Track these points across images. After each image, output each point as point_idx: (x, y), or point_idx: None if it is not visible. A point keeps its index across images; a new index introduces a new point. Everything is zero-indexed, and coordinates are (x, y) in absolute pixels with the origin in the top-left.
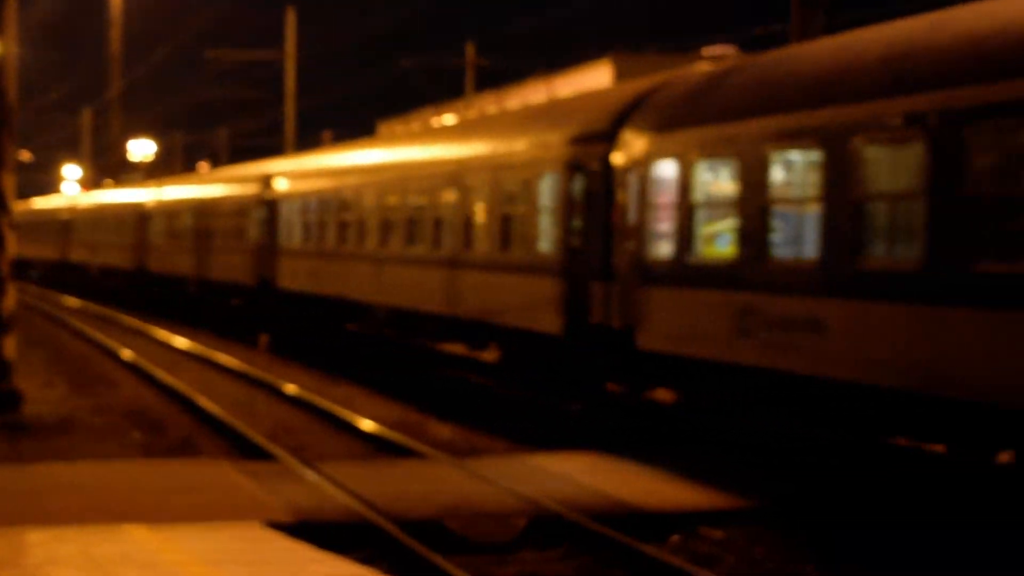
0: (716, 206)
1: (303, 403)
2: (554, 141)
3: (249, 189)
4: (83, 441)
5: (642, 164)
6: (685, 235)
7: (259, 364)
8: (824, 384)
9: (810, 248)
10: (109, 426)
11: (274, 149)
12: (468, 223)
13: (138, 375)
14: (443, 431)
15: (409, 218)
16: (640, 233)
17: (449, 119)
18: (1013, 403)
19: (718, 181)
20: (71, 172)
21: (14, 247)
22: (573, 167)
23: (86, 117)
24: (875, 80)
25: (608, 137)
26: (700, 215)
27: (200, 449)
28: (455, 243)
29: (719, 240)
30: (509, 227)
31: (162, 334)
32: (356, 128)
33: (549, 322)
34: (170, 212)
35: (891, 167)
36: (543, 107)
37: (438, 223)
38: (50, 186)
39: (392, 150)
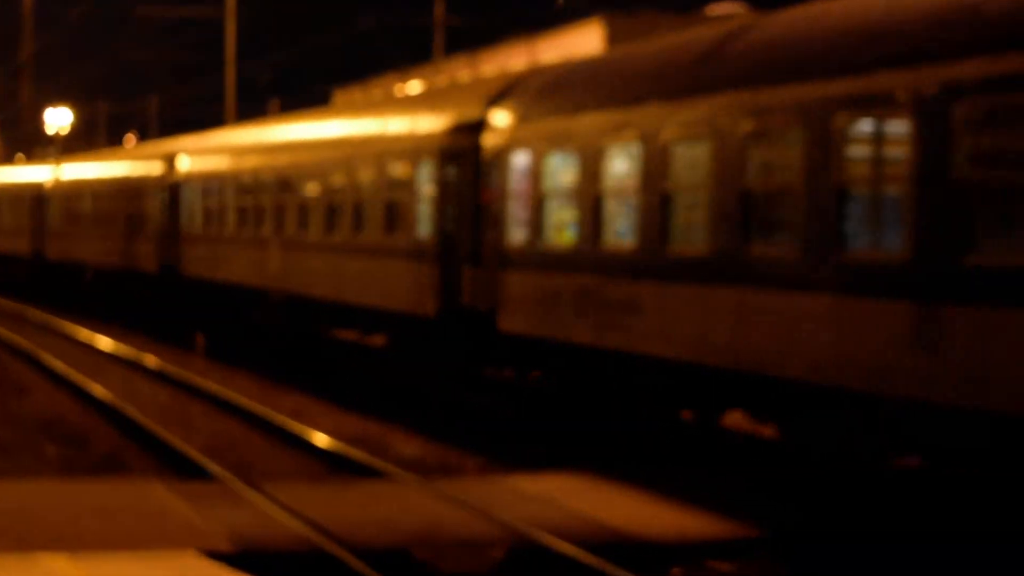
0: (562, 195)
1: (245, 413)
2: (432, 129)
3: (152, 170)
4: None
5: (503, 154)
6: (537, 223)
7: (194, 367)
8: (642, 360)
9: (630, 236)
10: (20, 440)
11: (213, 120)
12: (358, 209)
13: (53, 380)
14: (409, 446)
15: (302, 204)
16: (500, 220)
17: (415, 86)
18: (772, 371)
19: (564, 172)
20: None
21: None
22: (447, 155)
23: None
24: (681, 84)
25: (478, 127)
26: (550, 204)
27: (127, 466)
28: (346, 229)
29: (568, 228)
30: (394, 213)
31: (79, 332)
32: (309, 96)
33: (426, 306)
34: (69, 194)
35: (691, 162)
36: (427, 93)
37: (331, 209)
38: None
39: (291, 131)
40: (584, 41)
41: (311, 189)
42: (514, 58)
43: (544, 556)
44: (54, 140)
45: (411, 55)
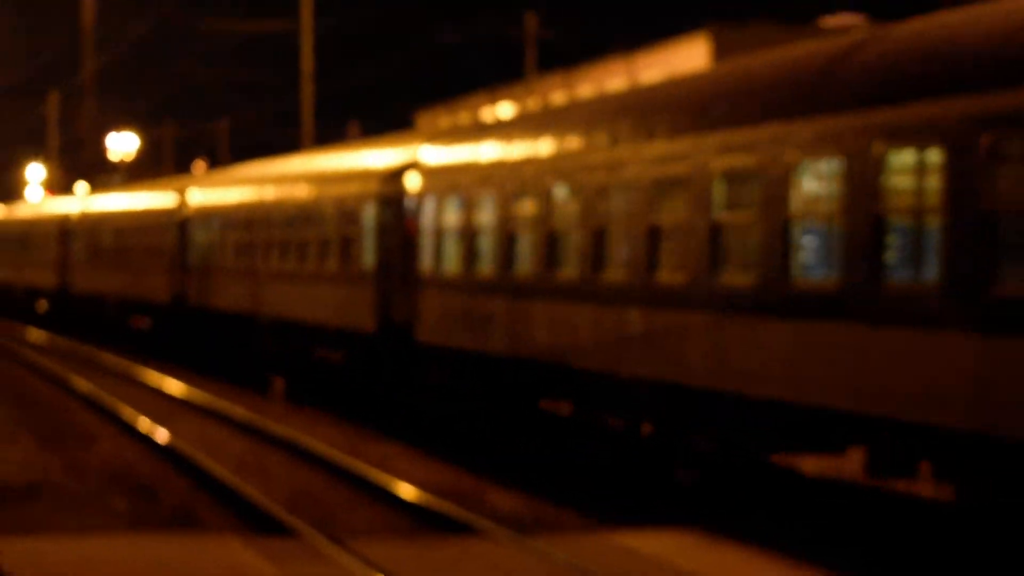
0: (453, 232)
1: (328, 464)
2: (372, 176)
3: (164, 204)
4: (55, 510)
5: (419, 197)
6: (437, 253)
7: (272, 414)
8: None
9: (485, 265)
10: (87, 491)
11: (288, 143)
12: (324, 244)
13: (120, 427)
14: (503, 499)
15: (284, 241)
16: (417, 250)
17: (505, 109)
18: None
19: (455, 213)
20: (35, 173)
21: None
22: (382, 198)
23: (53, 103)
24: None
25: (401, 175)
26: (447, 238)
27: (201, 521)
28: (315, 261)
29: (456, 258)
30: (348, 247)
31: (149, 375)
32: (390, 118)
33: (368, 323)
34: (93, 227)
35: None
36: (378, 140)
37: (302, 245)
38: (12, 191)
39: (270, 170)
40: (688, 56)
41: (289, 231)
42: (612, 76)
43: None
44: (118, 167)
45: (501, 72)
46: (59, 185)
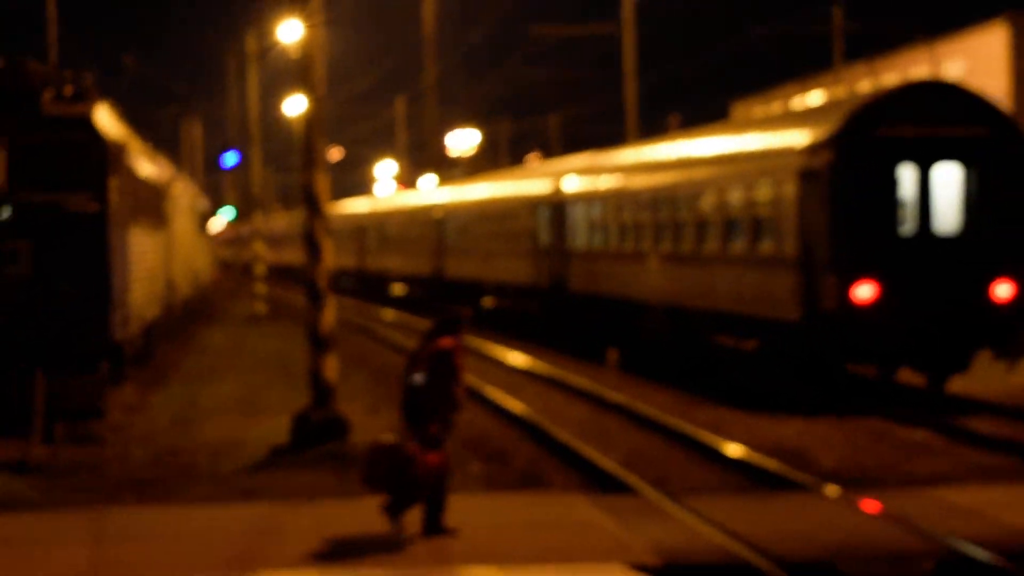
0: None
1: (661, 427)
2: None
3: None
4: None
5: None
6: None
7: (607, 382)
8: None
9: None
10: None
11: (613, 136)
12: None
13: (472, 398)
14: (827, 458)
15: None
16: (562, 232)
17: (816, 97)
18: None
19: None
20: (384, 170)
21: (331, 256)
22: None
23: (400, 107)
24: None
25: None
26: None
27: (548, 481)
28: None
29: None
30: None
31: (494, 350)
32: (707, 109)
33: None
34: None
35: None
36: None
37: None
38: (361, 186)
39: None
40: (987, 45)
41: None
42: (915, 65)
43: (976, 570)
44: (458, 162)
45: (810, 64)
46: (406, 180)
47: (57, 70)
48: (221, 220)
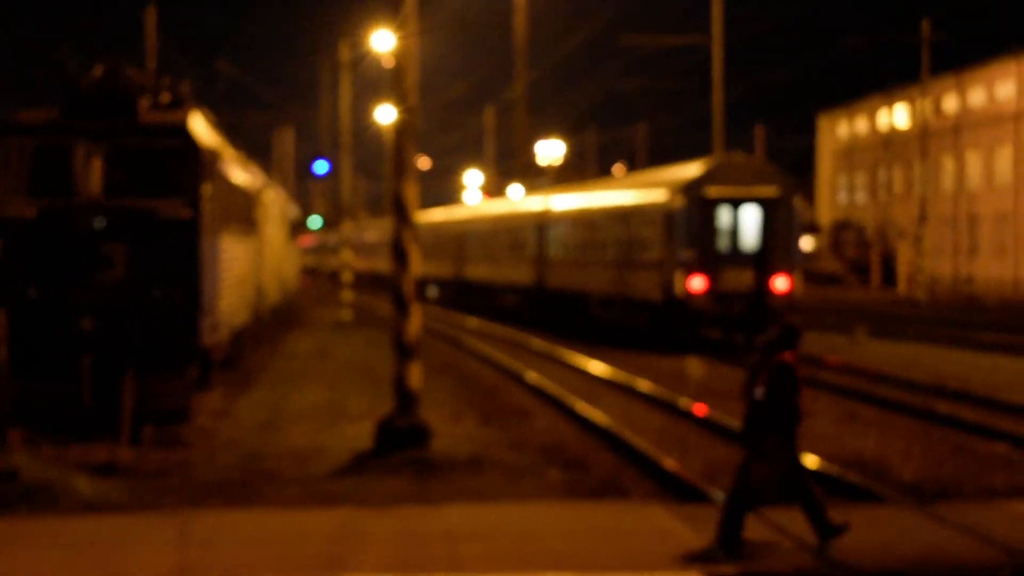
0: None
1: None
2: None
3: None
4: (496, 480)
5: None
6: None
7: (685, 392)
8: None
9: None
10: (524, 464)
11: (700, 147)
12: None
13: (553, 406)
14: (906, 470)
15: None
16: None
17: (901, 110)
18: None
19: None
20: (472, 178)
21: (418, 264)
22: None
23: (489, 116)
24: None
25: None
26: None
27: (627, 490)
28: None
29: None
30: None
31: (575, 359)
32: (793, 121)
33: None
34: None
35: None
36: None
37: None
38: (450, 195)
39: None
40: None
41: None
42: (1002, 77)
43: None
44: (545, 171)
45: (899, 74)
46: (494, 189)
47: (154, 77)
48: (310, 228)
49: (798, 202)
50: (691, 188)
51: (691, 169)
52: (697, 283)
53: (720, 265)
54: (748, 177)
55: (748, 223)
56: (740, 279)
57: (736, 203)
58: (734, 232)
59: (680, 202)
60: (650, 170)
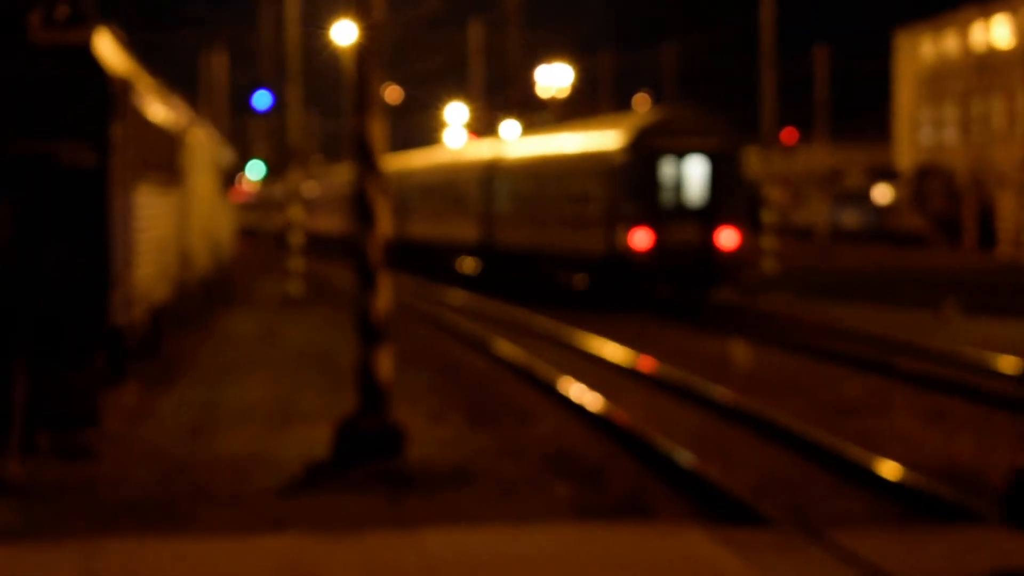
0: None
1: (801, 442)
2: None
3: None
4: (489, 497)
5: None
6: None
7: (730, 383)
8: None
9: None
10: (524, 476)
11: (744, 73)
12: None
13: (559, 402)
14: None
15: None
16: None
17: (1001, 24)
18: None
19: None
20: (455, 114)
21: (387, 222)
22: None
23: (476, 34)
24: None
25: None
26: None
27: (654, 508)
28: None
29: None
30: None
31: (585, 341)
32: (865, 40)
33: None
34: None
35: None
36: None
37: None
38: (427, 135)
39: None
40: None
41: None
42: None
43: None
44: (548, 104)
45: None
46: (482, 127)
47: None
48: (248, 178)
49: (745, 155)
50: (635, 139)
51: (636, 119)
52: (641, 238)
53: (665, 219)
54: (694, 129)
55: (694, 177)
56: (685, 234)
57: (681, 155)
58: (679, 186)
59: (623, 154)
60: (602, 117)
